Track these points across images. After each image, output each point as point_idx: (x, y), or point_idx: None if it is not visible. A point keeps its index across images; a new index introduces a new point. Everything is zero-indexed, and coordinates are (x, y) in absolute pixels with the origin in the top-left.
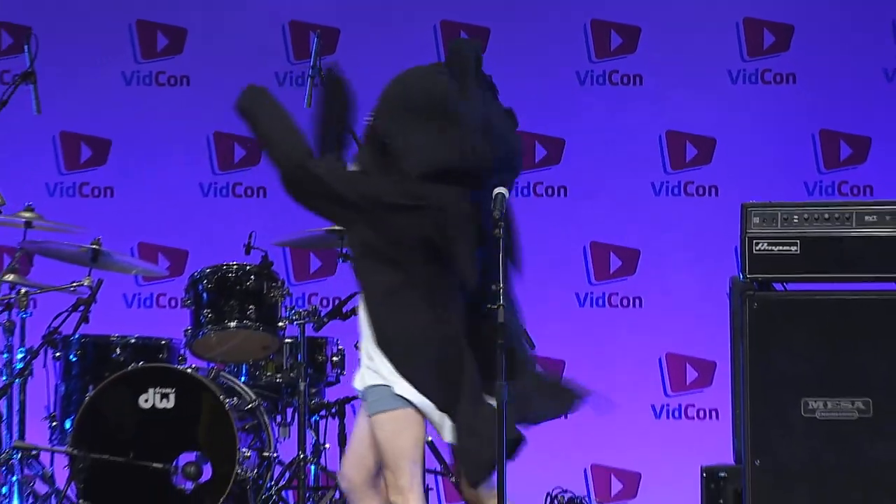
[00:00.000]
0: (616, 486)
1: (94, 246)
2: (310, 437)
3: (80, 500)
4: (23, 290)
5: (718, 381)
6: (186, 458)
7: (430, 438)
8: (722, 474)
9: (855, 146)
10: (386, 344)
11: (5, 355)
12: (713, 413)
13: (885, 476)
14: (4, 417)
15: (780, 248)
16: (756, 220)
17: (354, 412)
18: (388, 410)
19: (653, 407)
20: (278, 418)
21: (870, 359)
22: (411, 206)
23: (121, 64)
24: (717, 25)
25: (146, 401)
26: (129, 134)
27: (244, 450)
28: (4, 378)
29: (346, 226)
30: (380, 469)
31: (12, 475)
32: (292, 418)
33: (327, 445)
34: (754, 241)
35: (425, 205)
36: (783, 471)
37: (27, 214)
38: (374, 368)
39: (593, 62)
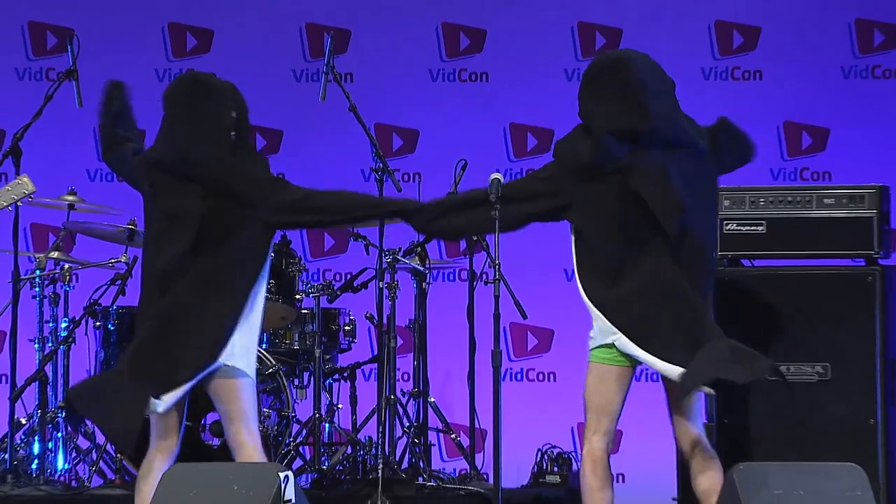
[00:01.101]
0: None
1: (129, 226)
2: (324, 398)
3: (118, 455)
4: (66, 266)
5: None
6: (213, 417)
7: (432, 400)
8: None
9: (815, 136)
10: None
11: (51, 324)
12: None
13: (841, 432)
14: (50, 380)
15: (748, 227)
16: (727, 202)
17: (365, 376)
18: None
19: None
20: (296, 381)
21: (829, 327)
22: None
23: (154, 62)
24: (690, 27)
25: None
26: None
27: (265, 409)
28: (50, 345)
29: None
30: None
31: (58, 432)
32: (308, 381)
33: (340, 406)
34: (725, 222)
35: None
36: (750, 428)
37: (70, 198)
38: None
39: (580, 60)
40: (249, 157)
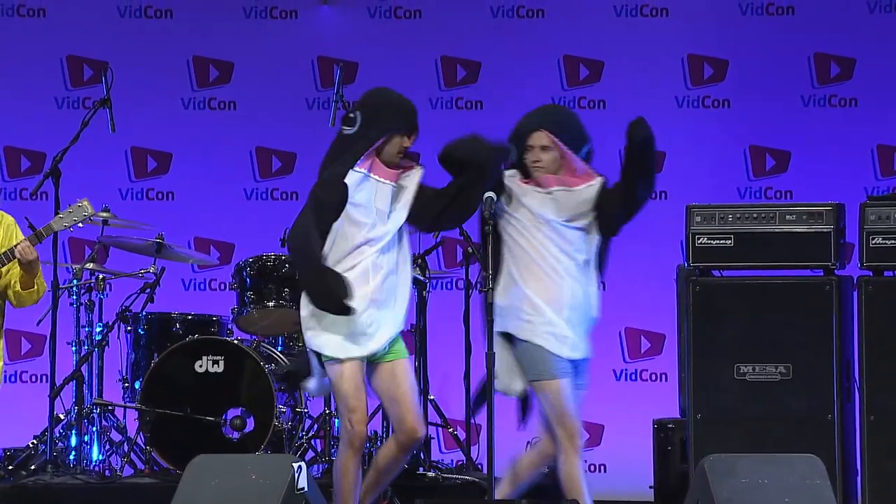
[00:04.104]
0: (583, 435)
1: (158, 240)
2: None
3: (147, 447)
4: (101, 276)
5: (667, 350)
6: (233, 413)
7: (432, 397)
8: (670, 426)
9: (778, 159)
10: None
11: (86, 329)
12: (663, 376)
13: (801, 426)
14: (86, 379)
15: (718, 241)
16: (698, 218)
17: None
18: None
19: (614, 371)
20: None
21: (790, 331)
22: None
23: (180, 91)
24: (665, 60)
25: (200, 366)
26: (187, 148)
27: (280, 406)
28: (86, 347)
29: None
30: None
31: (93, 426)
32: None
33: None
34: (696, 236)
35: None
36: (719, 423)
37: (104, 214)
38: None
39: (565, 90)
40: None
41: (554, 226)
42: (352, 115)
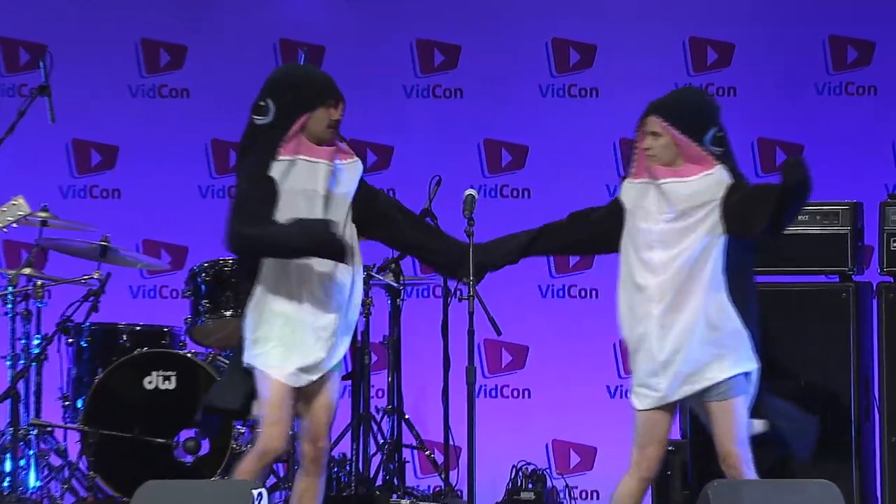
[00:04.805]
0: (574, 459)
1: (102, 242)
2: None
3: (91, 472)
4: (39, 283)
5: None
6: (186, 434)
7: (407, 416)
8: (670, 447)
9: (788, 153)
10: None
11: (23, 341)
12: None
13: (816, 448)
14: (22, 397)
15: None
16: None
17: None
18: None
19: (607, 387)
20: None
21: (803, 344)
22: None
23: (127, 78)
24: (665, 44)
25: (150, 383)
26: (135, 141)
27: (238, 426)
28: (22, 362)
29: None
30: None
31: (30, 449)
32: None
33: None
34: None
35: None
36: None
37: (42, 214)
38: None
39: (554, 77)
40: None
41: (662, 231)
42: (262, 103)
